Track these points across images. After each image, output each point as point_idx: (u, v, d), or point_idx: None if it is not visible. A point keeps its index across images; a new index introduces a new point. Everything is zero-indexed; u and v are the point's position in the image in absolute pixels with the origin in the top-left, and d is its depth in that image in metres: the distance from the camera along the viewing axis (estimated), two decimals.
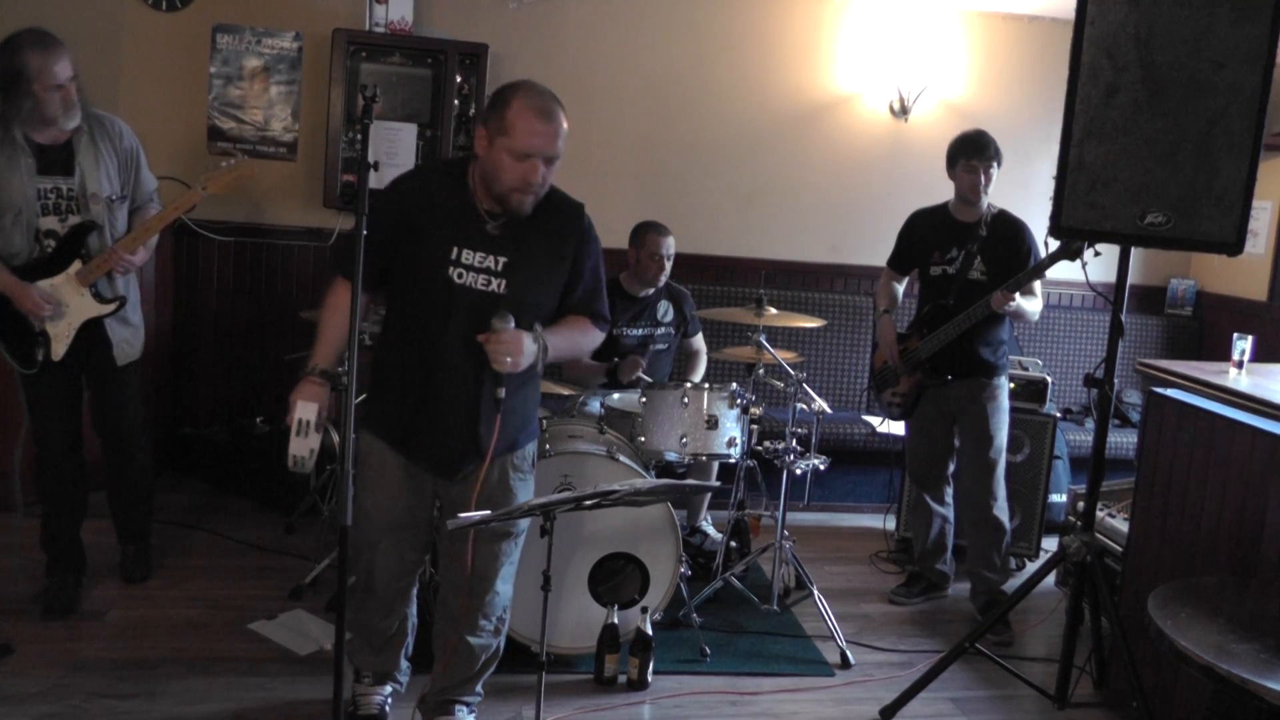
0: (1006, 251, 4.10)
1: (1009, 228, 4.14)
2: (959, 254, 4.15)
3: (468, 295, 2.70)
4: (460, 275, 2.70)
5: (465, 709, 3.11)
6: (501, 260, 2.73)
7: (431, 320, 2.73)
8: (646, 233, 4.56)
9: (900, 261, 4.45)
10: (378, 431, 2.86)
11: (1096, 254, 3.36)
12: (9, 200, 3.41)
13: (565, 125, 2.66)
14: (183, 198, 3.62)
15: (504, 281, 2.73)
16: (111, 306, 3.60)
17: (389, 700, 3.16)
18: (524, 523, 3.00)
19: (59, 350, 3.54)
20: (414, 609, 3.14)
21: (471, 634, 3.00)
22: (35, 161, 3.43)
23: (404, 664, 3.19)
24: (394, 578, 2.98)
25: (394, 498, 2.87)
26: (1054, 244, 3.55)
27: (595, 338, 2.94)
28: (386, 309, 2.90)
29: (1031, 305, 4.09)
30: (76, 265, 3.51)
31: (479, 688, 3.12)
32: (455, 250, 2.70)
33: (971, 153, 4.07)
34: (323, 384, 2.75)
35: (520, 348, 2.64)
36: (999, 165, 4.10)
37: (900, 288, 4.54)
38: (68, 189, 3.49)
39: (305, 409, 2.72)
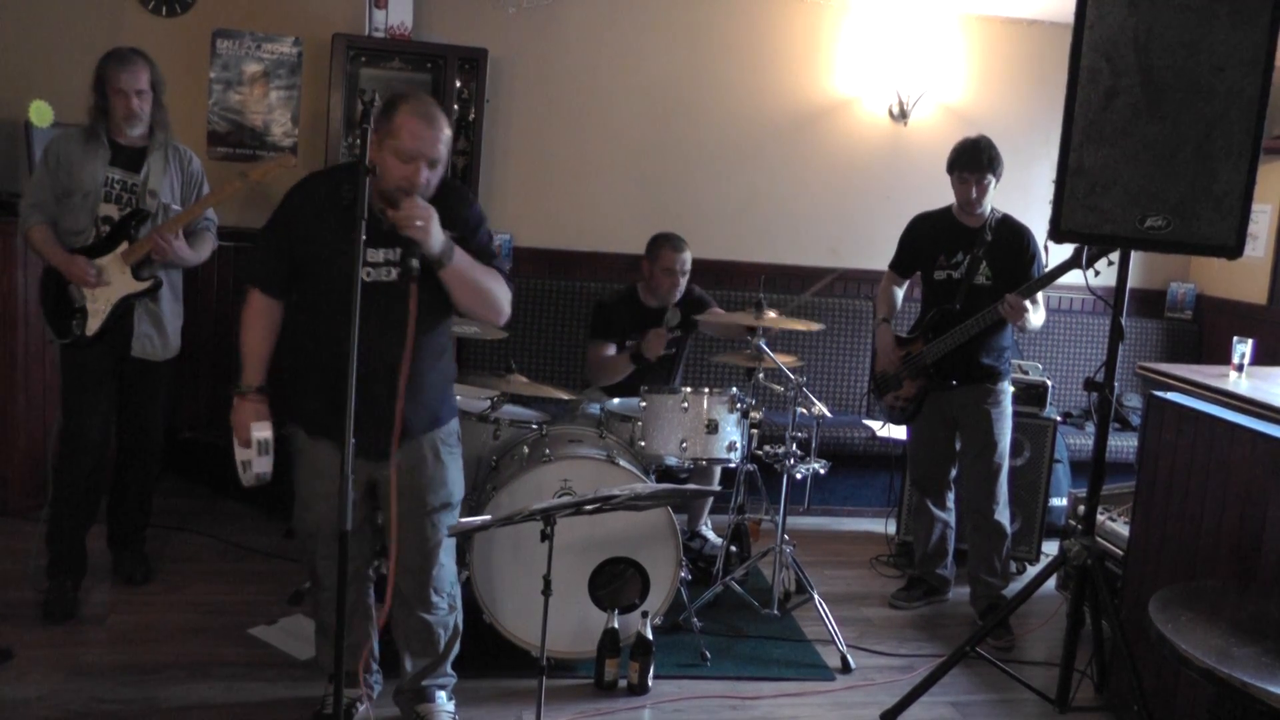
0: (1011, 257, 4.09)
1: (1013, 233, 4.13)
2: (964, 258, 4.14)
3: (375, 288, 2.79)
4: (369, 274, 2.79)
5: (443, 692, 3.16)
6: (398, 250, 2.83)
7: (340, 313, 2.74)
8: (661, 247, 4.53)
9: (903, 265, 4.43)
10: (309, 427, 2.96)
11: (1110, 263, 3.32)
12: (80, 182, 3.70)
13: (448, 132, 2.79)
14: (224, 185, 3.85)
15: (399, 270, 2.84)
16: (145, 284, 3.78)
17: (360, 701, 3.17)
18: (457, 494, 3.09)
19: (93, 325, 3.73)
20: (371, 602, 3.18)
21: (426, 611, 3.07)
22: (110, 154, 3.74)
23: (376, 668, 3.22)
24: (334, 567, 3.01)
25: (331, 486, 2.88)
26: (1054, 248, 3.55)
27: (501, 284, 2.96)
28: (294, 309, 2.99)
29: (1036, 315, 4.06)
30: (123, 246, 3.73)
31: (449, 668, 3.18)
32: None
33: (963, 165, 4.07)
34: (263, 399, 2.93)
35: (431, 215, 2.70)
36: (997, 176, 4.07)
37: (900, 292, 4.53)
38: (131, 183, 3.77)
39: (260, 429, 2.93)
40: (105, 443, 3.86)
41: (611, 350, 4.56)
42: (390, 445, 2.83)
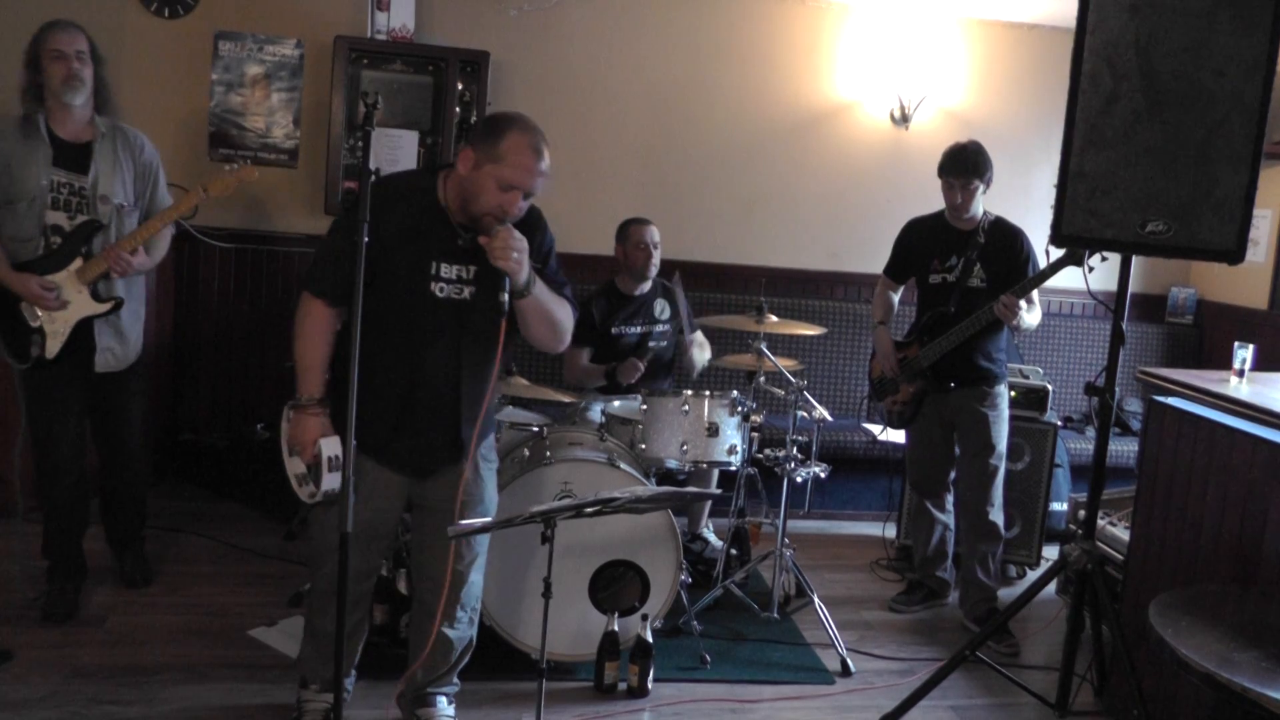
0: (1005, 258, 4.10)
1: (1006, 235, 4.14)
2: (958, 261, 4.15)
3: (447, 306, 2.78)
4: (441, 290, 2.78)
5: (445, 699, 3.17)
6: (473, 269, 2.80)
7: (413, 331, 2.79)
8: (629, 226, 4.60)
9: (897, 270, 4.45)
10: (372, 455, 2.87)
11: (1104, 259, 3.33)
12: (23, 187, 3.46)
13: (549, 163, 2.73)
14: (183, 199, 3.64)
15: (474, 288, 2.81)
16: (106, 306, 3.60)
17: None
18: (492, 509, 3.07)
19: (53, 347, 3.54)
20: (368, 613, 3.18)
21: (450, 626, 3.07)
22: (52, 153, 3.49)
23: (352, 672, 3.21)
24: (357, 581, 3.00)
25: (367, 503, 2.87)
26: (1055, 252, 3.55)
27: (569, 312, 2.94)
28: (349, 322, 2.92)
29: (1031, 316, 4.08)
30: (78, 263, 3.53)
31: (455, 677, 3.19)
32: (434, 265, 2.77)
33: (950, 170, 4.07)
34: (325, 412, 2.82)
35: (525, 248, 2.65)
36: (985, 181, 4.05)
37: (896, 297, 4.54)
38: (79, 186, 3.54)
39: (330, 445, 2.78)
40: (80, 458, 3.72)
41: (586, 357, 4.57)
42: (438, 467, 2.84)
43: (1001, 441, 4.21)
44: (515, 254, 2.62)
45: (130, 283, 3.70)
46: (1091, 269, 3.35)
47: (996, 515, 4.24)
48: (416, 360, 2.81)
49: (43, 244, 3.51)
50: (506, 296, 2.65)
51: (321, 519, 2.96)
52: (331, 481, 2.78)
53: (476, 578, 3.10)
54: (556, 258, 2.99)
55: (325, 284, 2.80)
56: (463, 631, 3.11)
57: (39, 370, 3.57)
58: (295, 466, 2.89)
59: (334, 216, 5.12)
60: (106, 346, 3.66)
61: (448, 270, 2.77)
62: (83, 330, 3.59)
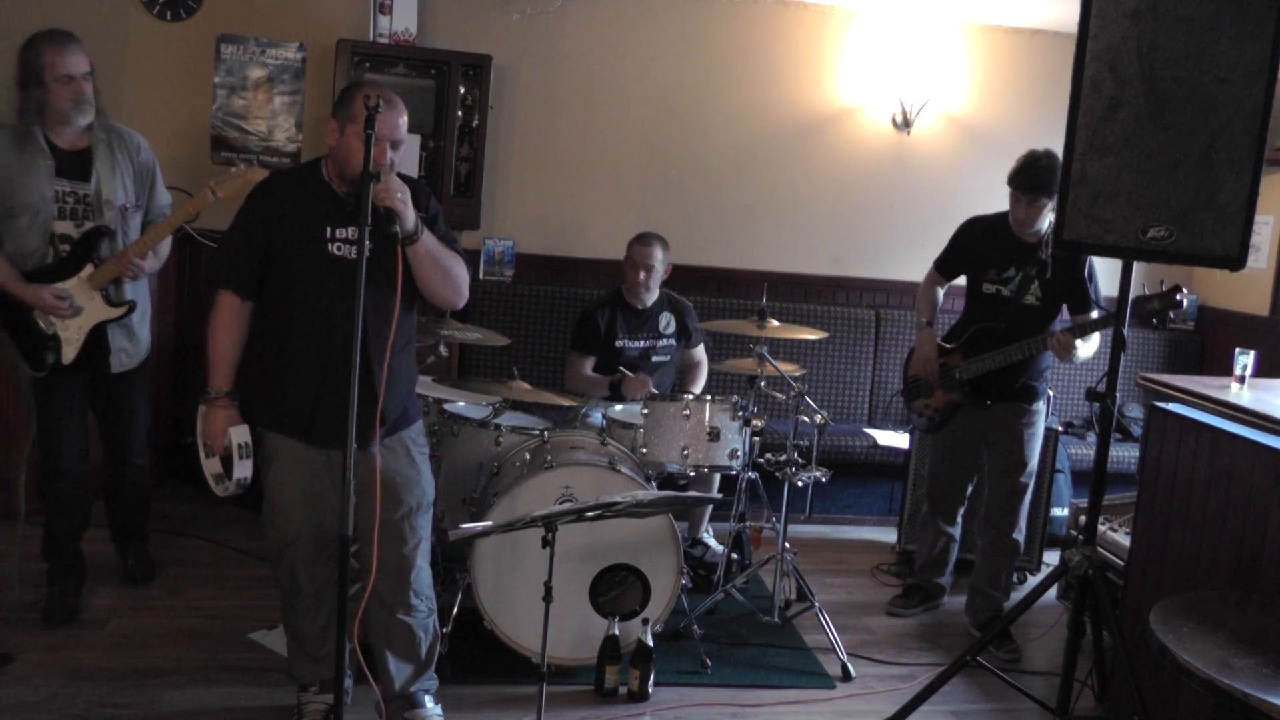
0: (1066, 280, 3.93)
1: (1069, 255, 3.86)
2: (1016, 274, 3.99)
3: (344, 265, 2.86)
4: (338, 248, 2.88)
5: (429, 696, 3.18)
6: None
7: (319, 296, 2.88)
8: (632, 244, 4.59)
9: (949, 267, 4.27)
10: (282, 428, 2.96)
11: (1173, 317, 3.27)
12: (26, 201, 3.46)
13: (405, 117, 2.90)
14: (191, 202, 3.67)
15: (373, 241, 2.87)
16: (120, 310, 3.65)
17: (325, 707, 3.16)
18: (430, 494, 3.11)
19: (69, 354, 3.57)
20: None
21: (406, 614, 3.10)
22: (54, 164, 3.49)
23: (348, 670, 3.20)
24: (317, 571, 3.05)
25: (309, 488, 2.95)
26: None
27: (462, 265, 3.03)
28: (264, 307, 3.00)
29: (1086, 348, 3.84)
30: (88, 269, 3.56)
31: (433, 671, 3.21)
32: (328, 229, 2.89)
33: (1018, 183, 3.88)
34: (234, 404, 2.94)
35: (407, 190, 2.78)
36: (1051, 197, 3.76)
37: (941, 292, 4.34)
38: (83, 194, 3.55)
39: (238, 433, 2.92)
40: (84, 458, 3.75)
41: (589, 366, 4.58)
42: (369, 433, 2.83)
43: (1034, 459, 4.11)
44: (399, 194, 2.73)
45: (137, 283, 3.73)
46: (1161, 326, 3.25)
47: (1019, 534, 4.16)
48: (326, 324, 2.87)
49: (50, 253, 3.53)
50: (396, 228, 2.75)
51: (271, 518, 3.04)
52: (242, 470, 2.91)
53: (424, 562, 3.13)
54: (445, 225, 3.09)
55: (231, 276, 2.96)
56: (422, 619, 3.14)
57: (51, 374, 3.60)
58: (212, 467, 2.97)
59: None
60: (120, 348, 3.70)
61: (341, 232, 2.88)
62: (96, 335, 3.63)
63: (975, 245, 4.16)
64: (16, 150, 3.46)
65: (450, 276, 2.97)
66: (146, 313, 3.84)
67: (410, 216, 2.79)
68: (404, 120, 2.89)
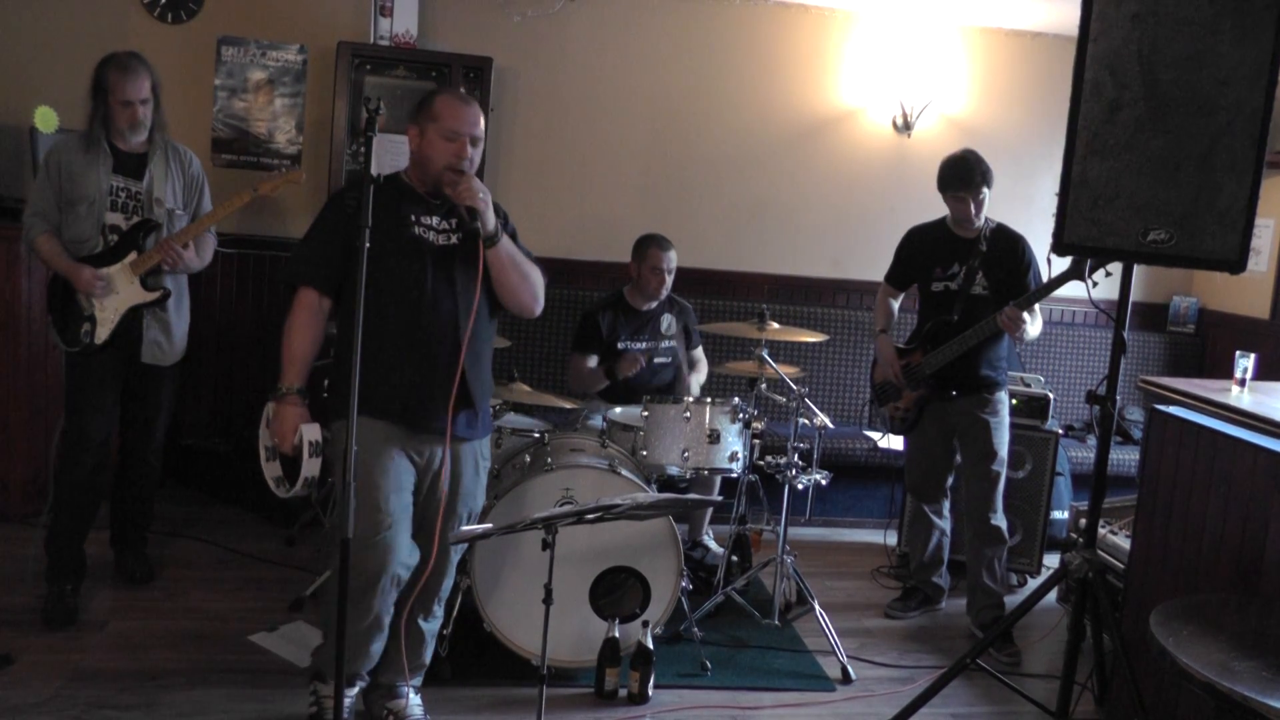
0: (1007, 266, 4.12)
1: (1008, 241, 4.15)
2: (960, 269, 4.16)
3: (432, 248, 2.96)
4: (425, 232, 2.97)
5: (413, 690, 3.21)
6: (453, 219, 3.00)
7: (407, 277, 2.93)
8: (648, 247, 4.57)
9: (898, 278, 4.45)
10: (376, 411, 2.90)
11: (1107, 274, 3.35)
12: (84, 191, 3.71)
13: (483, 117, 3.01)
14: (234, 197, 3.88)
15: (459, 234, 2.99)
16: (154, 295, 3.80)
17: (354, 700, 3.18)
18: (479, 510, 3.21)
19: (103, 334, 3.74)
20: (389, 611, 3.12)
21: (425, 618, 3.17)
22: (113, 161, 3.76)
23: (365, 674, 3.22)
24: (400, 562, 2.98)
25: (400, 473, 2.97)
26: (1057, 260, 3.56)
27: (539, 272, 3.14)
28: (348, 304, 2.98)
29: (1034, 326, 4.07)
30: (132, 256, 3.76)
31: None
32: (414, 216, 2.98)
33: (958, 185, 4.07)
34: (304, 402, 2.94)
35: (488, 191, 2.91)
36: (989, 185, 4.07)
37: (896, 304, 4.55)
38: (135, 190, 3.79)
39: (311, 431, 2.88)
40: (108, 443, 3.85)
41: (593, 363, 4.58)
42: (448, 418, 2.90)
43: (1003, 448, 4.22)
44: (480, 194, 2.86)
45: (176, 283, 3.90)
46: (1095, 284, 3.36)
47: (999, 519, 4.25)
48: (417, 304, 2.92)
49: (101, 242, 3.74)
50: (479, 223, 2.86)
51: (369, 510, 2.90)
52: (311, 468, 2.86)
53: (452, 571, 3.22)
54: (520, 239, 3.17)
55: (310, 272, 3.00)
56: (433, 625, 3.23)
57: (86, 357, 3.75)
58: (273, 470, 2.97)
59: None
60: (153, 339, 3.85)
61: (427, 219, 2.98)
62: (131, 320, 3.78)
63: (918, 251, 4.34)
64: (83, 151, 3.73)
65: (529, 280, 3.07)
66: (185, 315, 3.98)
67: (491, 218, 2.89)
68: (481, 116, 2.98)
